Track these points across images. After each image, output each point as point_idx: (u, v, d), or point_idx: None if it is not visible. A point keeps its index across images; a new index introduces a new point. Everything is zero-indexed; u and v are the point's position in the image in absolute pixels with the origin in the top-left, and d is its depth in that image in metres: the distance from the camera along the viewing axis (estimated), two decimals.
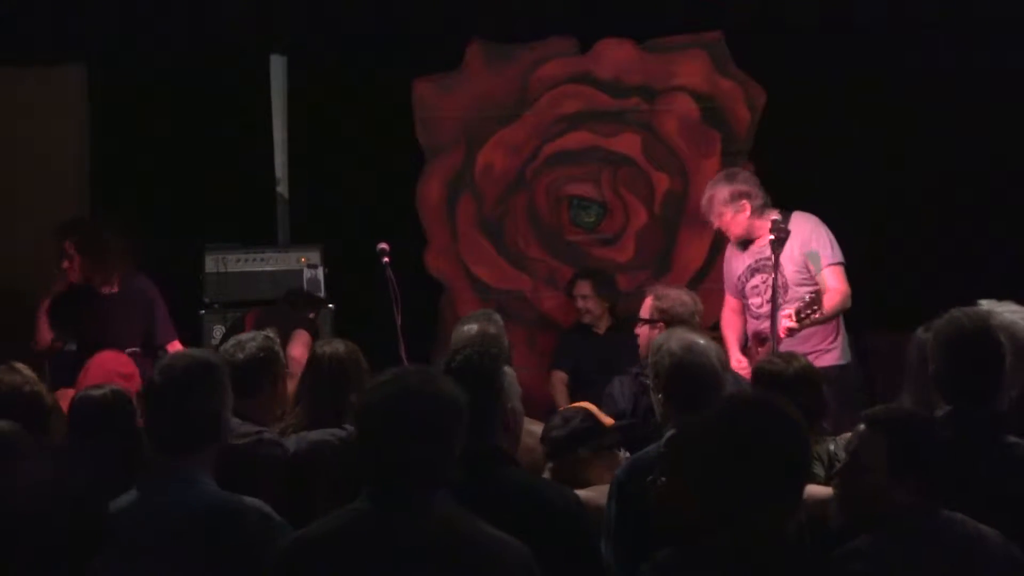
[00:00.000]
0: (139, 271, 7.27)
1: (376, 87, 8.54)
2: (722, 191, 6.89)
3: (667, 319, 6.03)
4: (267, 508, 3.69)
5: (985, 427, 4.09)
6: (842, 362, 6.85)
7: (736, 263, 7.05)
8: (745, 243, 6.98)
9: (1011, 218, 8.39)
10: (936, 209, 8.43)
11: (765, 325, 6.58)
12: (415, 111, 8.63)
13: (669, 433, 4.25)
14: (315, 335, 6.91)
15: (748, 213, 6.87)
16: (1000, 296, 5.04)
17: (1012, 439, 4.13)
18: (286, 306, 7.37)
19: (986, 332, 4.23)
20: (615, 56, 8.68)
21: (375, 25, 8.10)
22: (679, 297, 6.20)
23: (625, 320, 7.57)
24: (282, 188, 8.59)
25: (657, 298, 6.20)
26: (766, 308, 6.57)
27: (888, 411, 3.77)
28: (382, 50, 8.36)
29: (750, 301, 6.96)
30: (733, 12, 8.27)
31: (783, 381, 4.84)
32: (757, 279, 6.91)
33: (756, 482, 3.14)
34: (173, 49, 8.03)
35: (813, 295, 6.46)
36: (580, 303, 8.28)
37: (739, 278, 7.02)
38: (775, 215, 6.75)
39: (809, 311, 6.41)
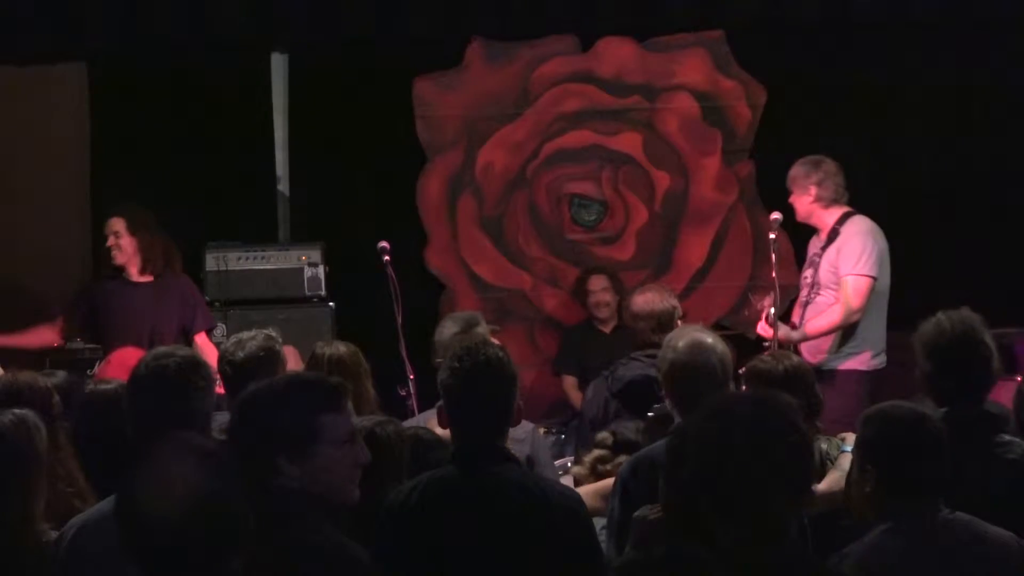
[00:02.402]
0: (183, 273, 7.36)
1: (376, 87, 8.54)
2: (796, 170, 6.99)
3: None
4: None
5: (976, 427, 4.09)
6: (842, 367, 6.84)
7: (808, 249, 7.11)
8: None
9: (1011, 218, 8.39)
10: (936, 209, 8.43)
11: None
12: (415, 109, 8.62)
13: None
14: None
15: (811, 199, 6.92)
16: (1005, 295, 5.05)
17: (1007, 438, 4.14)
18: None
19: (969, 334, 4.23)
20: (616, 55, 8.68)
21: (375, 25, 8.09)
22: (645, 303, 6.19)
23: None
24: (282, 187, 8.58)
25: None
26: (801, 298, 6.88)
27: (880, 408, 3.76)
28: (382, 50, 8.36)
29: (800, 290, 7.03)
30: (734, 11, 8.25)
31: (773, 380, 4.83)
32: (808, 272, 6.99)
33: (753, 481, 2.97)
34: (173, 48, 8.02)
35: (771, 299, 6.60)
36: (598, 296, 8.23)
37: (804, 266, 7.10)
38: (838, 213, 6.88)
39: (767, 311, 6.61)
